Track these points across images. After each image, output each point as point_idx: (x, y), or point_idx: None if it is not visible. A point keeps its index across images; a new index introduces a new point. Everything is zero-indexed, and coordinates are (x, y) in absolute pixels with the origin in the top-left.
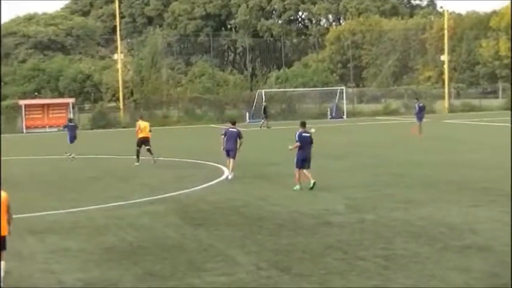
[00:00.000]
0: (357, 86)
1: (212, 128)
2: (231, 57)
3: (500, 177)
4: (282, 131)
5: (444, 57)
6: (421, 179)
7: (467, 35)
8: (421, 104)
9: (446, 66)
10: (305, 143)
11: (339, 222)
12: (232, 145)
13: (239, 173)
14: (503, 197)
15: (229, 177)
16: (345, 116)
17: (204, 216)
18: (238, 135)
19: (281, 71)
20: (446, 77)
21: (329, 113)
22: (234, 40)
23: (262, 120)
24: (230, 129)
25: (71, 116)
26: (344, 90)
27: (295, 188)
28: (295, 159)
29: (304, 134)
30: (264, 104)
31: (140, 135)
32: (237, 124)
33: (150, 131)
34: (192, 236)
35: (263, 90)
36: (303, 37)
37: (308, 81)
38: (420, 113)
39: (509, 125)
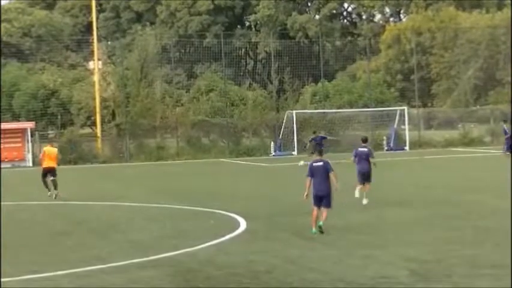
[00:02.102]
0: (424, 105)
1: (224, 163)
2: (249, 66)
3: None
4: None
5: None
6: None
7: None
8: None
9: None
10: (318, 174)
11: None
12: (366, 166)
13: (260, 225)
14: None
15: (364, 202)
16: (407, 147)
17: (212, 285)
18: (370, 153)
19: (319, 84)
20: None
21: (385, 142)
22: (254, 43)
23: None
24: (360, 148)
25: None
26: (406, 112)
27: (312, 232)
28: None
29: (315, 164)
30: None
31: (45, 165)
32: (256, 157)
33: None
34: None
35: (294, 112)
36: (349, 38)
37: (356, 98)
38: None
39: None
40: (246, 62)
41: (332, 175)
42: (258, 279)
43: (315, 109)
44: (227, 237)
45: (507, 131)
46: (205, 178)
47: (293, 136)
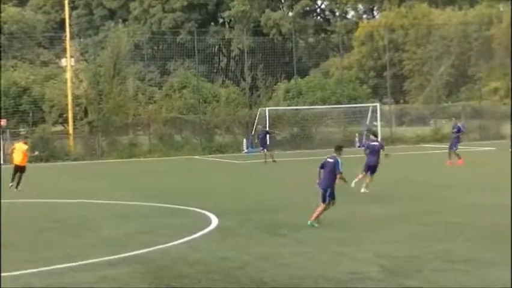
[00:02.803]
0: (397, 102)
1: (197, 160)
2: (223, 63)
3: None
4: (293, 164)
5: None
6: (487, 230)
7: None
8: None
9: None
10: (326, 169)
11: None
12: (374, 159)
13: (232, 222)
14: None
15: (362, 190)
16: None
17: (184, 283)
18: (381, 147)
19: (292, 81)
20: None
21: (357, 139)
22: (227, 40)
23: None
24: (371, 143)
25: None
26: (379, 108)
27: (309, 223)
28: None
29: (328, 159)
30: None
31: (15, 162)
32: (228, 154)
33: (34, 153)
34: None
35: (267, 108)
36: (322, 35)
37: (329, 95)
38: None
39: None
40: (219, 59)
41: (338, 176)
42: (230, 276)
43: (288, 106)
44: (199, 234)
45: (462, 128)
46: (178, 175)
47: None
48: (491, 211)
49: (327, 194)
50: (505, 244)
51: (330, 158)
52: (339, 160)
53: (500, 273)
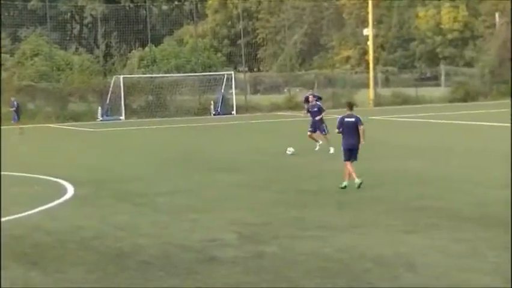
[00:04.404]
0: (251, 70)
1: (51, 128)
2: (75, 31)
3: (444, 193)
4: (148, 132)
5: (369, 32)
6: (339, 197)
7: (398, 2)
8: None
9: (370, 43)
10: (348, 130)
11: (228, 258)
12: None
13: (88, 191)
14: (448, 219)
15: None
16: (234, 112)
17: (39, 252)
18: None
19: (146, 49)
20: (370, 58)
21: (212, 107)
22: (80, 7)
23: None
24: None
25: None
26: (233, 76)
27: (341, 186)
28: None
29: (347, 119)
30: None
31: None
32: (83, 122)
33: None
34: (23, 280)
35: (121, 76)
36: (176, 3)
37: (184, 63)
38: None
39: (457, 122)
40: (72, 26)
41: (361, 129)
42: (86, 244)
43: (143, 74)
44: (55, 203)
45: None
46: (31, 144)
47: (120, 101)
48: (341, 178)
49: (356, 152)
50: (353, 210)
51: (349, 117)
52: (359, 116)
53: (353, 238)
